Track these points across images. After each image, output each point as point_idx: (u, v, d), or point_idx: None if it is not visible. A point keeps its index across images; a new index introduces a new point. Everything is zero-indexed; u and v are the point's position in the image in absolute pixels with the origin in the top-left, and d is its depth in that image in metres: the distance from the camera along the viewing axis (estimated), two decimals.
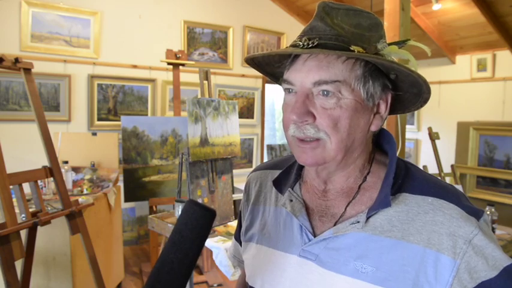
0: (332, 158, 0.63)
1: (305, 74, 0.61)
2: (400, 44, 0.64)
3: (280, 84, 0.69)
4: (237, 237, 0.90)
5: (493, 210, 2.35)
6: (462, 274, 0.56)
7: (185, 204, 0.59)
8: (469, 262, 0.57)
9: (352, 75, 0.61)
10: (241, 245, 0.85)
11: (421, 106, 0.68)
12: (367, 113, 0.64)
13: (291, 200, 0.72)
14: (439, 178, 0.68)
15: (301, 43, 0.61)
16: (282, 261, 0.69)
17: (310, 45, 0.60)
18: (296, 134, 0.63)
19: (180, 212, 0.58)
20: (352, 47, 0.59)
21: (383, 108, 0.66)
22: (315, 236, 0.67)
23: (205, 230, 0.58)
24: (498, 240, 2.31)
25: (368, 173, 0.68)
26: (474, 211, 0.60)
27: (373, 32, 0.63)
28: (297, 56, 0.64)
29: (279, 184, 0.76)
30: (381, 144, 0.73)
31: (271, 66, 0.72)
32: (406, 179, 0.65)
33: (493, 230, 2.34)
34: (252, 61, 0.71)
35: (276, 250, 0.71)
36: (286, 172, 0.77)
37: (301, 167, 0.76)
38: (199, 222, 0.57)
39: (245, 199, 0.86)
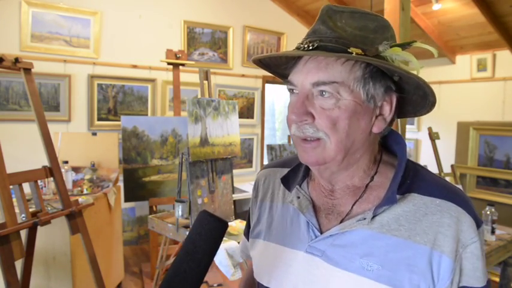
0: (332, 158, 0.63)
1: (305, 75, 0.63)
2: (405, 45, 0.64)
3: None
4: (246, 233, 0.92)
5: (493, 210, 2.35)
6: (455, 276, 0.60)
7: (199, 214, 0.59)
8: (462, 265, 0.60)
9: (351, 77, 0.61)
10: (248, 241, 0.86)
11: (430, 109, 0.68)
12: (368, 115, 0.64)
13: (298, 197, 0.73)
14: (447, 180, 0.70)
15: (302, 45, 0.62)
16: (289, 257, 0.70)
17: (310, 48, 0.61)
18: (296, 133, 0.65)
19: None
20: (351, 49, 0.59)
21: (387, 109, 0.66)
22: (321, 233, 0.67)
23: (218, 241, 0.58)
24: (498, 240, 2.32)
25: (375, 173, 0.69)
26: (478, 219, 0.62)
27: (379, 34, 0.63)
28: (299, 58, 0.65)
29: (287, 182, 0.77)
30: (389, 146, 0.73)
31: (279, 67, 0.73)
32: (415, 179, 0.66)
33: (493, 230, 2.34)
34: (261, 63, 0.73)
35: (283, 246, 0.72)
36: (294, 170, 0.78)
37: None
38: (213, 233, 0.58)
39: (254, 196, 0.87)
